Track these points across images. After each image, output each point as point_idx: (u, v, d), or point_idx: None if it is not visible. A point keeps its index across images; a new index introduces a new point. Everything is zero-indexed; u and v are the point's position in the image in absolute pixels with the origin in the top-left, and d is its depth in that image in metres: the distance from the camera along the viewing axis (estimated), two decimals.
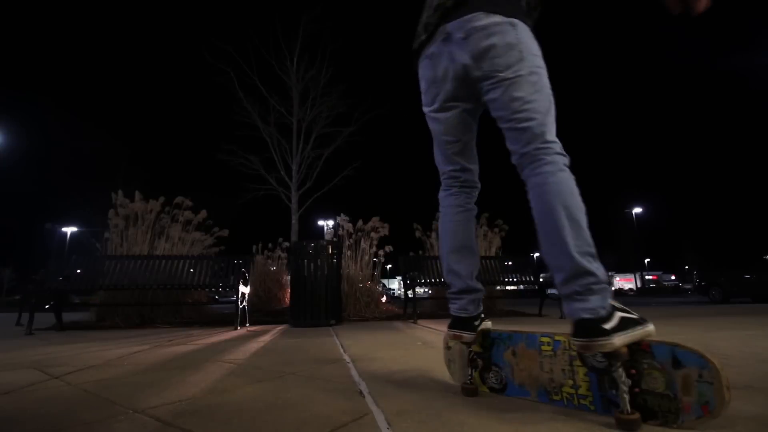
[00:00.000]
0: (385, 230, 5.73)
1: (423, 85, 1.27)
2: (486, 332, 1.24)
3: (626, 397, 0.87)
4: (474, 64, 1.09)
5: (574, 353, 1.01)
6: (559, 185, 0.99)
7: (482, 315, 1.24)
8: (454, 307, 1.23)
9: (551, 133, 1.04)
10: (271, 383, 1.38)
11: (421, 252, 5.95)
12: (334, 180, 10.86)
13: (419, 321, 4.38)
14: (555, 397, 1.05)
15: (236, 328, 3.86)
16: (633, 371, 0.90)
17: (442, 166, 1.31)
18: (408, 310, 4.81)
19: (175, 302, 4.81)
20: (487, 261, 5.42)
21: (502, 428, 0.88)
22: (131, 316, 4.53)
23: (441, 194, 1.32)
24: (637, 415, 0.85)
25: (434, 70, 1.20)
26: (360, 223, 5.71)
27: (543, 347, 1.10)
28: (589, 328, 0.89)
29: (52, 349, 2.49)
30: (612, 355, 0.88)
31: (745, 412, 0.93)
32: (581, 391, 1.00)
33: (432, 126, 1.29)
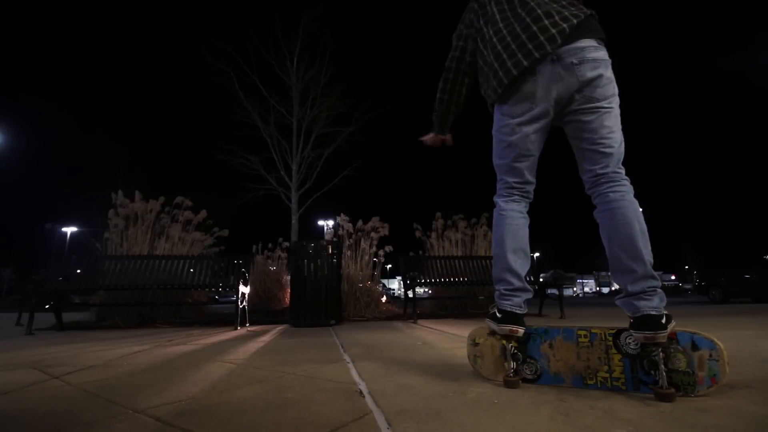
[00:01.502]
0: (385, 230, 5.72)
1: (514, 98, 1.33)
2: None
3: (665, 375, 1.07)
4: (580, 88, 1.23)
5: (609, 343, 1.21)
6: (634, 204, 1.20)
7: None
8: (508, 304, 1.31)
9: (621, 162, 1.25)
10: (271, 383, 1.38)
11: (421, 252, 5.94)
12: (334, 180, 10.88)
13: (419, 321, 4.37)
14: (589, 382, 1.21)
15: (236, 328, 3.86)
16: (663, 354, 1.09)
17: (508, 177, 1.40)
18: (408, 310, 4.80)
19: (175, 302, 4.80)
20: (488, 261, 5.41)
21: (501, 428, 0.88)
22: (131, 316, 4.53)
23: (500, 200, 1.41)
24: (673, 390, 1.05)
25: (534, 86, 1.28)
26: (360, 223, 5.70)
27: (580, 339, 1.26)
28: (655, 323, 1.09)
29: (52, 349, 2.49)
30: (659, 344, 1.09)
31: (746, 412, 0.93)
32: (615, 374, 1.18)
33: (511, 138, 1.36)
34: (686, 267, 50.70)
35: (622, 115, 1.28)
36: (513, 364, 1.27)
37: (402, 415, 0.98)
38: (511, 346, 1.29)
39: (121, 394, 1.26)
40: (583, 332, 1.26)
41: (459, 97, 1.64)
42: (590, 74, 1.22)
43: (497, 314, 1.33)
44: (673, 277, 55.56)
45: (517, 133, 1.34)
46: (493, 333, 1.35)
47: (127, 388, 1.34)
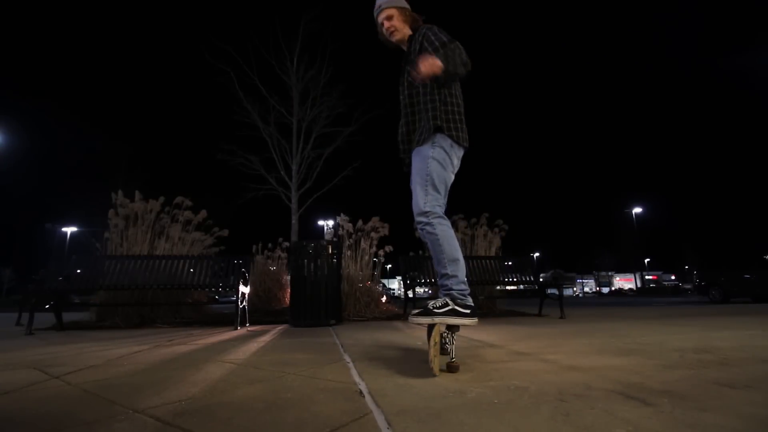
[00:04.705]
0: (385, 230, 5.72)
1: (456, 160, 1.76)
2: None
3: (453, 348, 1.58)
4: (456, 167, 1.80)
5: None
6: None
7: None
8: (471, 300, 1.58)
9: None
10: (271, 383, 1.38)
11: (421, 252, 5.94)
12: (334, 180, 10.88)
13: None
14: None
15: (236, 328, 3.86)
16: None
17: (443, 201, 1.72)
18: (408, 310, 4.80)
19: (175, 302, 4.80)
20: (487, 261, 5.42)
21: (501, 428, 0.88)
22: (131, 316, 4.53)
23: (443, 216, 1.68)
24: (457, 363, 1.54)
25: (457, 155, 1.77)
26: (360, 223, 5.70)
27: None
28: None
29: (52, 349, 2.49)
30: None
31: (746, 413, 0.93)
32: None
33: (451, 177, 1.75)
34: (686, 267, 50.66)
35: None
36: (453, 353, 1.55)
37: (402, 415, 0.98)
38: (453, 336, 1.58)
39: (121, 394, 1.27)
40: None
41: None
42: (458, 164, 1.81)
43: (462, 310, 1.54)
44: (673, 277, 55.50)
45: (452, 175, 1.76)
46: (436, 325, 1.53)
47: (127, 388, 1.34)
